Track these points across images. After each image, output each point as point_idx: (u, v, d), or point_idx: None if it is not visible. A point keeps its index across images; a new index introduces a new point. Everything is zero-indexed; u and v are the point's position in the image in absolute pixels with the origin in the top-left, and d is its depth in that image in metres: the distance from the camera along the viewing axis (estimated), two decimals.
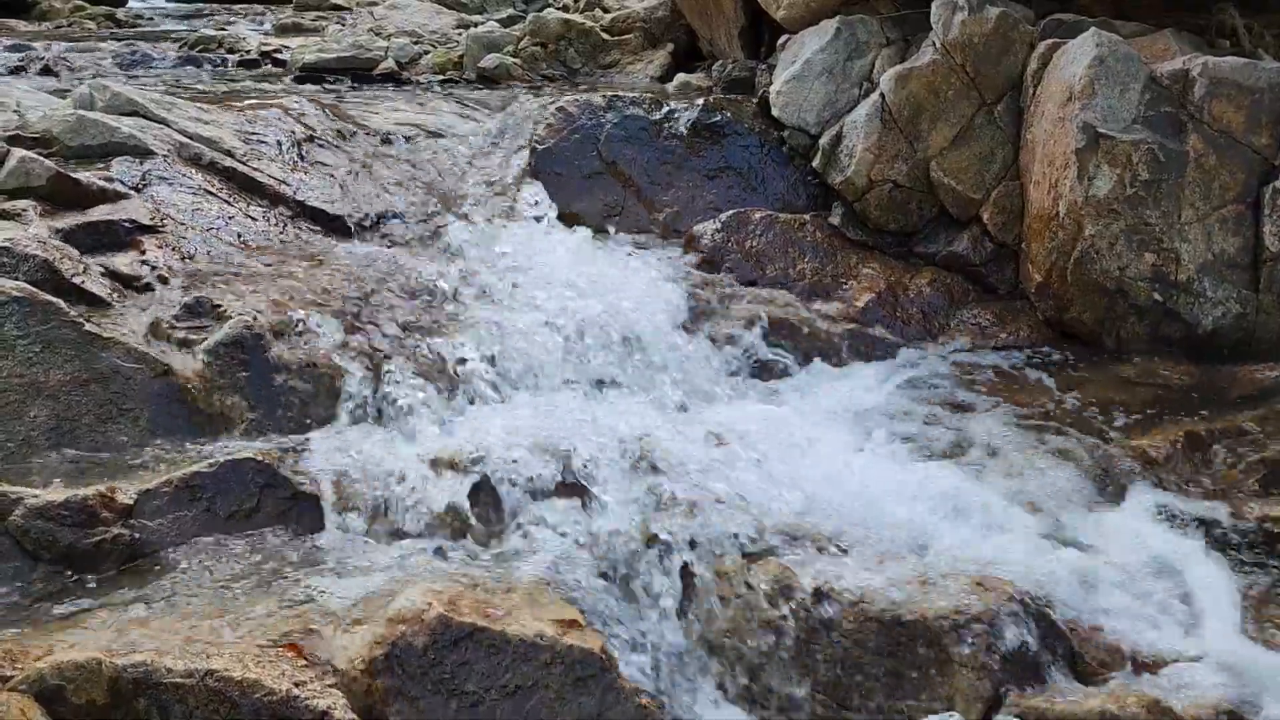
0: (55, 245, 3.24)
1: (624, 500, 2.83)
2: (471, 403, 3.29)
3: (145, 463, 2.84)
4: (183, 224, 3.63)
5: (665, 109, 4.60)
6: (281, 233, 3.84)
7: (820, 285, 4.20)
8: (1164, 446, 3.37)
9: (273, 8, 10.91)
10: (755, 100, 4.77)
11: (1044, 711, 2.45)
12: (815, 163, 4.49)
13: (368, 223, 4.01)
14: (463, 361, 3.36)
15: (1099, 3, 4.52)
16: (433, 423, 3.17)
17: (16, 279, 3.03)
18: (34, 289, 2.99)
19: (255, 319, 3.20)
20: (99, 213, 3.51)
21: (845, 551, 2.80)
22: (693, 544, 2.72)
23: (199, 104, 4.38)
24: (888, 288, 4.21)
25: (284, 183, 4.03)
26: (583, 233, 4.19)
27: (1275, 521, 3.05)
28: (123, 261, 3.37)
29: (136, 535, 2.61)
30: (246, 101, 4.66)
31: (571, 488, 2.83)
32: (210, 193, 3.84)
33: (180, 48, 7.00)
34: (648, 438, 3.07)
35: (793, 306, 4.04)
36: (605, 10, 6.90)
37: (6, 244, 3.14)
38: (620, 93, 4.72)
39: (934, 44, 4.32)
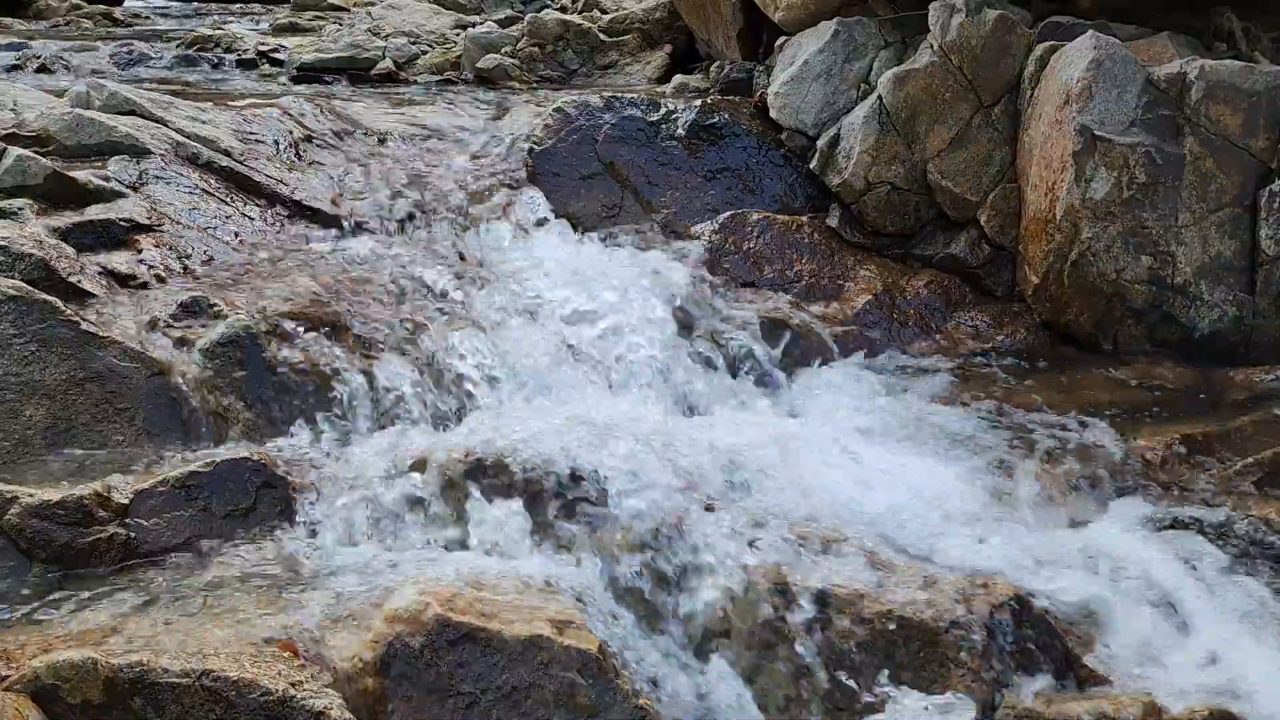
0: (52, 244, 3.24)
1: (621, 502, 2.82)
2: (468, 404, 3.29)
3: (141, 462, 2.83)
4: (180, 223, 3.63)
5: (663, 110, 4.60)
6: (279, 232, 3.83)
7: (818, 286, 4.20)
8: (1160, 449, 3.37)
9: (270, 7, 10.91)
10: (753, 102, 4.77)
11: (1041, 713, 2.45)
12: (813, 164, 4.49)
13: (364, 222, 4.01)
14: (459, 362, 3.35)
15: (1096, 5, 4.53)
16: (429, 422, 3.17)
17: (13, 277, 3.03)
18: (30, 287, 2.99)
19: (252, 318, 3.19)
20: (96, 211, 3.50)
21: (842, 552, 2.80)
22: (689, 545, 2.72)
23: (196, 103, 4.38)
24: (885, 289, 4.21)
25: (281, 182, 4.03)
26: (580, 233, 4.19)
27: (1271, 523, 3.05)
28: (119, 260, 3.36)
29: (132, 535, 2.60)
30: (244, 101, 4.66)
31: (568, 490, 2.83)
32: (207, 192, 3.84)
33: (177, 47, 7.00)
34: (642, 439, 3.06)
35: (790, 308, 4.04)
36: (603, 11, 6.90)
37: (3, 242, 3.13)
38: (618, 93, 4.72)
39: (931, 46, 4.33)
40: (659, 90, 5.39)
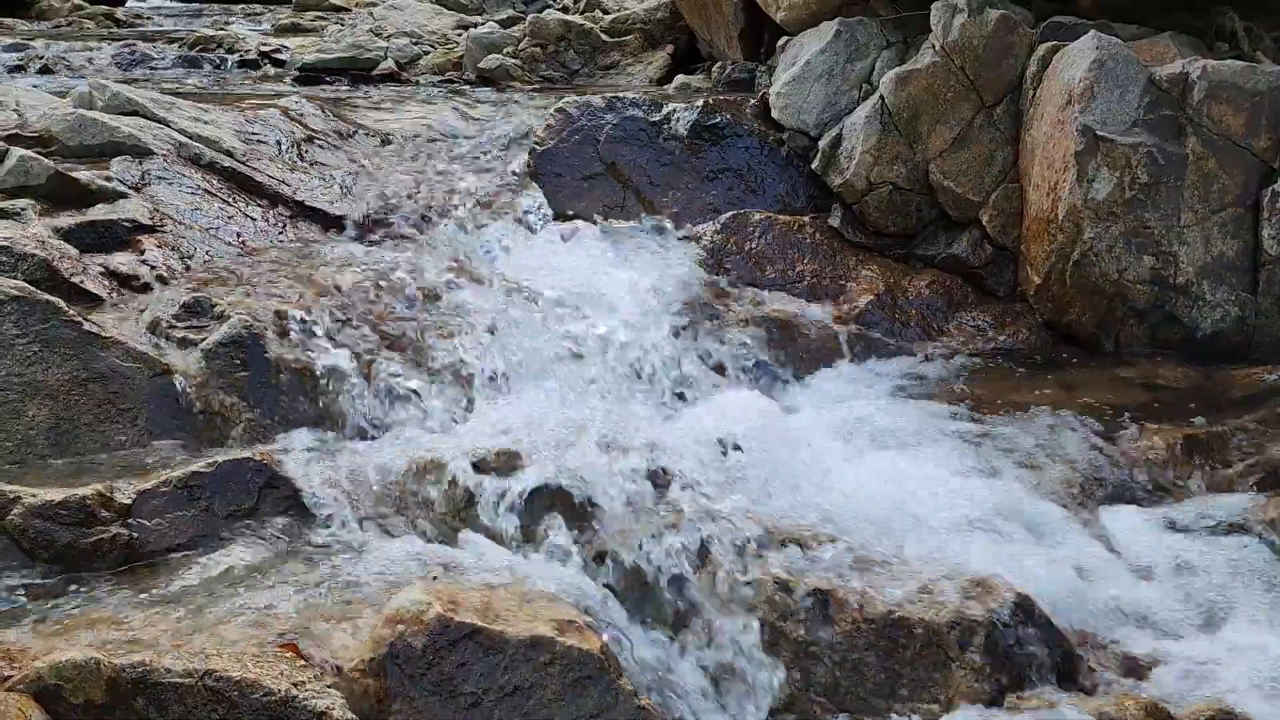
0: (54, 244, 3.24)
1: (625, 502, 2.82)
2: (470, 404, 3.29)
3: (144, 462, 2.84)
4: (182, 224, 3.63)
5: (665, 110, 4.59)
6: (281, 232, 3.84)
7: (820, 287, 4.20)
8: (1163, 449, 3.37)
9: (272, 8, 10.92)
10: (755, 102, 4.77)
11: (1042, 714, 2.45)
12: (815, 164, 4.49)
13: (367, 223, 4.01)
14: (460, 362, 3.36)
15: (1098, 6, 4.53)
16: (431, 423, 3.17)
17: (15, 278, 3.03)
18: (33, 288, 2.99)
19: (254, 319, 3.20)
20: (98, 212, 3.51)
21: (844, 552, 2.80)
22: (692, 545, 2.72)
23: (198, 104, 4.38)
24: (887, 290, 4.21)
25: (283, 183, 4.03)
26: (581, 233, 4.19)
27: (1274, 524, 3.05)
28: (122, 261, 3.37)
29: (135, 535, 2.61)
30: (246, 101, 4.66)
31: (573, 489, 2.83)
32: (209, 192, 3.84)
33: (179, 47, 7.00)
34: (644, 439, 3.06)
35: (792, 308, 4.04)
36: (605, 12, 6.90)
37: (5, 243, 3.13)
38: (620, 94, 4.72)
39: (933, 46, 4.32)
40: (661, 90, 5.39)
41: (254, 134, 4.23)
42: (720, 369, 3.75)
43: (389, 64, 6.17)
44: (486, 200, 4.23)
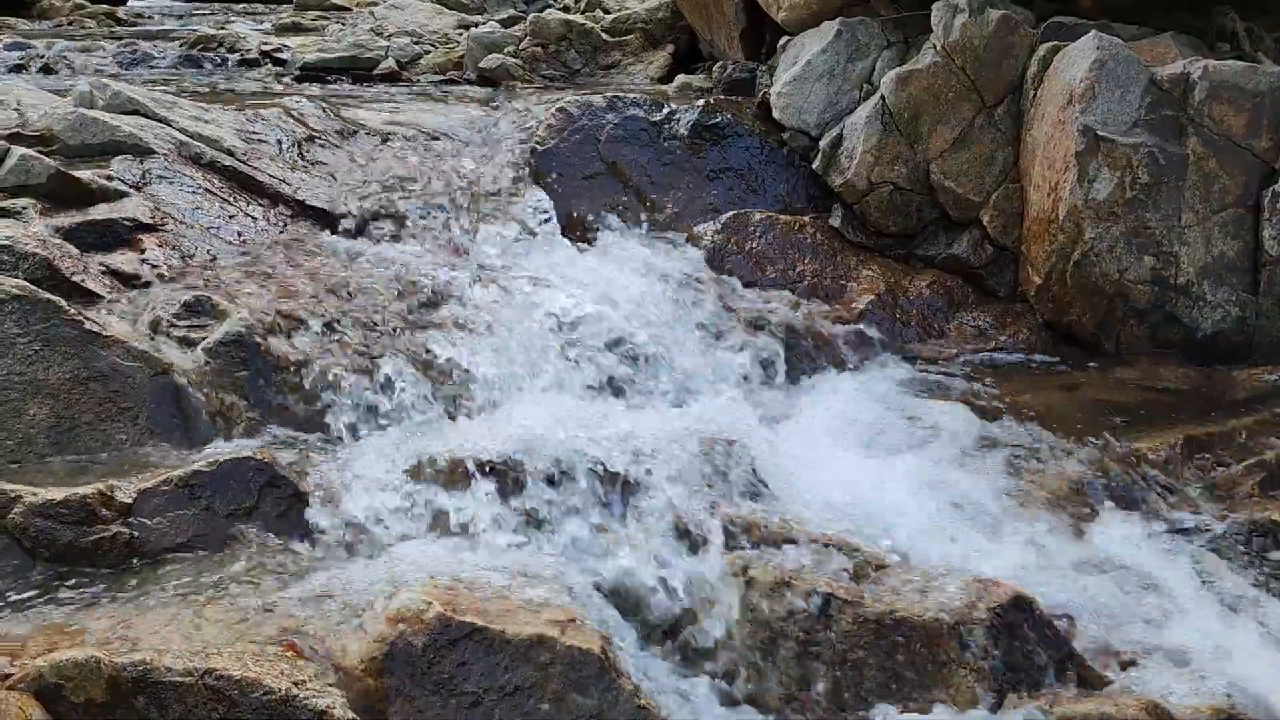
0: (55, 243, 3.25)
1: (624, 504, 2.83)
2: (469, 402, 3.29)
3: (144, 461, 2.84)
4: (183, 223, 3.63)
5: (666, 110, 4.60)
6: (282, 232, 3.84)
7: (820, 287, 4.21)
8: (1163, 449, 3.37)
9: (273, 7, 10.93)
10: (756, 102, 4.77)
11: (1043, 714, 2.45)
12: (815, 164, 4.49)
13: (367, 222, 4.01)
14: (459, 362, 3.36)
15: (1098, 6, 4.53)
16: (431, 422, 3.17)
17: (16, 277, 3.03)
18: (34, 287, 2.99)
19: (255, 318, 3.20)
20: (99, 211, 3.51)
21: (843, 553, 2.80)
22: (692, 546, 2.72)
23: (199, 103, 4.38)
24: (887, 290, 4.21)
25: (284, 182, 4.03)
26: (582, 233, 4.19)
27: (1274, 524, 3.05)
28: (123, 260, 3.37)
29: (135, 534, 2.61)
30: (247, 101, 4.67)
31: (573, 489, 2.83)
32: (210, 192, 3.84)
33: (180, 47, 7.01)
34: (644, 440, 3.06)
35: (793, 308, 4.04)
36: (606, 11, 6.90)
37: (6, 242, 3.13)
38: (621, 93, 4.72)
39: (934, 46, 4.33)
40: (661, 90, 5.39)
41: (255, 133, 4.23)
42: (717, 368, 3.75)
43: (390, 63, 6.17)
44: (487, 200, 4.23)
